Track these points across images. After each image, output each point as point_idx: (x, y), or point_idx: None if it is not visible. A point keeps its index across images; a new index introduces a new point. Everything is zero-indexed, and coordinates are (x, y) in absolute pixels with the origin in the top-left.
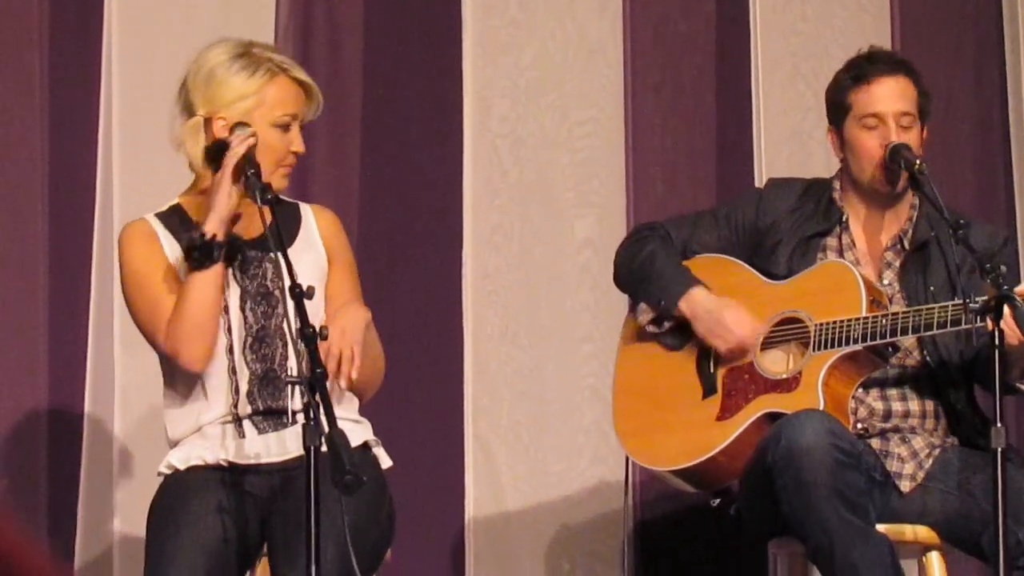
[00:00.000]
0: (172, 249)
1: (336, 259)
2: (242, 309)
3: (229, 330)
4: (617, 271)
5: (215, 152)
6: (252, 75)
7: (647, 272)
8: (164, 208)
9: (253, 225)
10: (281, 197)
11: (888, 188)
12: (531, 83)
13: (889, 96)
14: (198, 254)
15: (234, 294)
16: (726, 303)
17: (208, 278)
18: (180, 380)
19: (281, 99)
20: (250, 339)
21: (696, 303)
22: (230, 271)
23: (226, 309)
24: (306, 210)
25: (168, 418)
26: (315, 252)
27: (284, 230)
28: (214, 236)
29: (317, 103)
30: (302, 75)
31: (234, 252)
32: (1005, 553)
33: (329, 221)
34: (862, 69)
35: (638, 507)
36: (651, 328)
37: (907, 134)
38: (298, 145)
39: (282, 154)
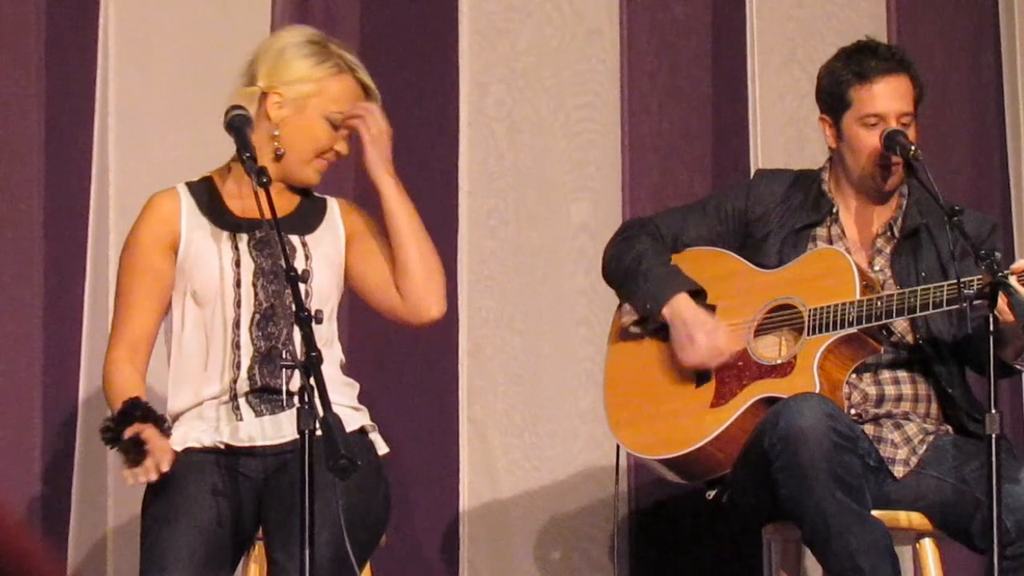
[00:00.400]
0: (190, 228)
1: (358, 234)
2: (254, 285)
3: (238, 304)
4: (605, 267)
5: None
6: (320, 64)
7: (634, 273)
8: (196, 179)
9: (276, 206)
10: (313, 192)
11: (883, 184)
12: (527, 68)
13: (891, 96)
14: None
15: (247, 269)
16: (705, 322)
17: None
18: (187, 354)
19: (340, 95)
20: (258, 316)
21: (677, 311)
22: (247, 247)
23: (238, 283)
24: (332, 203)
25: (171, 390)
26: (335, 237)
27: (307, 218)
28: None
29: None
30: (367, 78)
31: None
32: (998, 541)
33: (351, 209)
34: (864, 66)
35: (632, 492)
36: (635, 329)
37: (906, 132)
38: (343, 147)
39: (324, 147)
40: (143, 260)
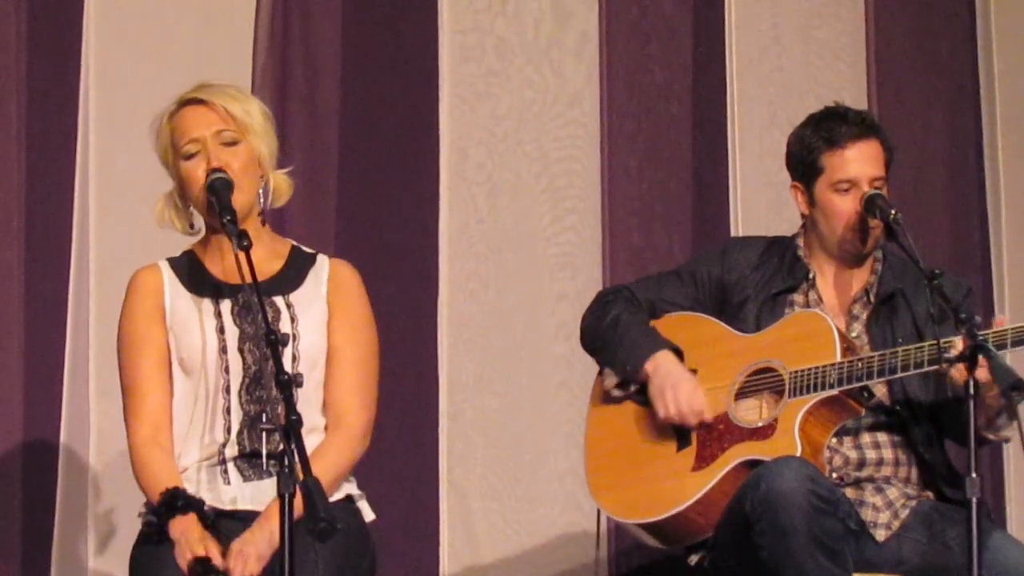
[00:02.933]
0: (173, 298)
1: (337, 312)
2: (240, 351)
3: (227, 370)
4: (583, 336)
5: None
6: (162, 118)
7: (611, 337)
8: (178, 254)
9: (260, 267)
10: (303, 248)
11: (860, 248)
12: (508, 131)
13: (863, 160)
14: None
15: (232, 336)
16: (687, 377)
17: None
18: (179, 418)
19: (181, 130)
20: (247, 380)
21: (658, 366)
22: (230, 314)
23: (224, 349)
24: (322, 260)
25: None
26: (319, 302)
27: (289, 277)
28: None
29: (224, 110)
30: (200, 93)
31: (210, 287)
32: None
33: (340, 274)
34: (834, 132)
35: (612, 557)
36: (616, 392)
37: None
38: (213, 162)
39: (201, 178)
40: (142, 336)
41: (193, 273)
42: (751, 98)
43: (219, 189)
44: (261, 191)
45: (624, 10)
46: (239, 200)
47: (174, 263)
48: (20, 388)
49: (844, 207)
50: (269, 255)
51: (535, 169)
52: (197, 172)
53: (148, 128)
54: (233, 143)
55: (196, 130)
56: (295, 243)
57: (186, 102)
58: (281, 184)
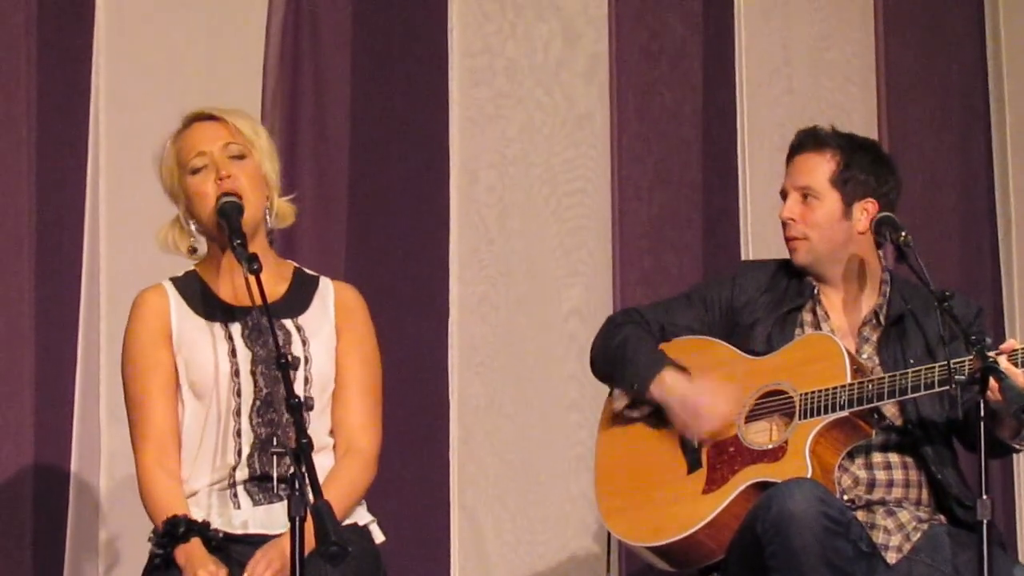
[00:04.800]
0: (180, 320)
1: (345, 335)
2: (252, 374)
3: (238, 393)
4: (593, 359)
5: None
6: (167, 144)
7: (620, 357)
8: (180, 274)
9: (266, 290)
10: (305, 270)
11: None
12: (518, 154)
13: (792, 174)
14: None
15: (244, 359)
16: (698, 389)
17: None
18: (183, 442)
19: (188, 146)
20: (258, 403)
21: (667, 388)
22: (241, 337)
23: (236, 373)
24: (326, 283)
25: None
26: (328, 325)
27: (296, 299)
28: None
29: (233, 125)
30: (208, 110)
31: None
32: None
33: (347, 298)
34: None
35: None
36: (628, 413)
37: (799, 206)
38: (222, 171)
39: (212, 194)
40: (148, 358)
41: (200, 295)
42: (761, 120)
43: (229, 212)
44: (267, 210)
45: (634, 33)
46: (246, 216)
47: (179, 284)
48: (31, 411)
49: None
50: (274, 277)
51: (545, 191)
52: (205, 187)
53: (152, 161)
54: (241, 157)
55: (203, 144)
56: (297, 265)
57: (192, 119)
58: (284, 208)
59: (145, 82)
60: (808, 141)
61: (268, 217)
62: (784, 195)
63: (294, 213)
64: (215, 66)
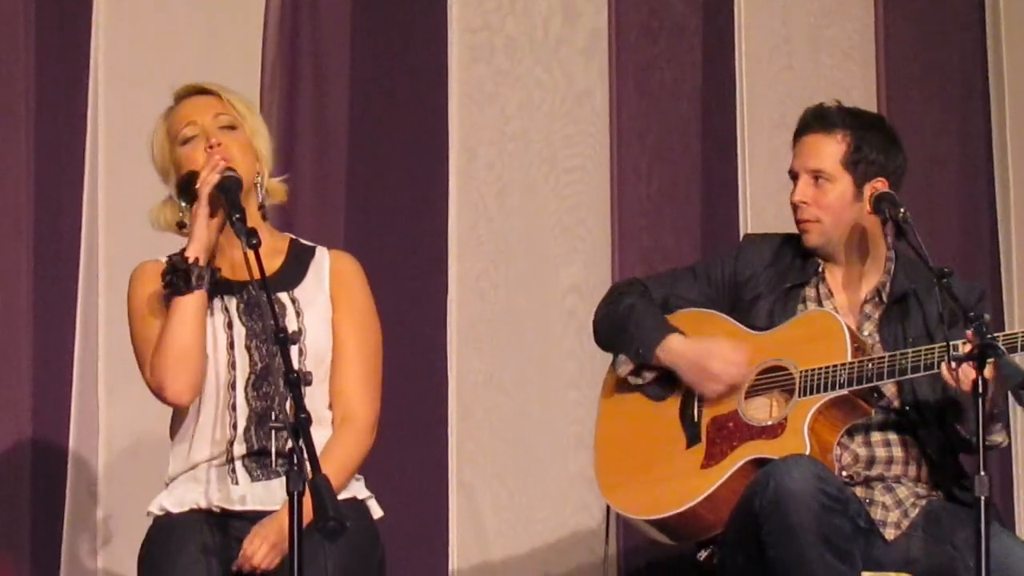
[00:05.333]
0: None
1: (341, 305)
2: (247, 348)
3: (233, 366)
4: (596, 327)
5: (185, 184)
6: (158, 126)
7: (624, 323)
8: (175, 253)
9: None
10: (302, 241)
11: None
12: (517, 131)
13: (801, 154)
14: (176, 278)
15: (239, 333)
16: (707, 349)
17: (188, 304)
18: (179, 417)
19: (179, 118)
20: (253, 377)
21: (673, 351)
22: (236, 311)
23: (231, 345)
24: (322, 253)
25: (171, 452)
26: (323, 296)
27: (291, 272)
28: (196, 259)
29: (225, 98)
30: (199, 84)
31: (217, 284)
32: None
33: (341, 266)
34: (796, 128)
35: (621, 555)
36: (632, 379)
37: (811, 189)
38: (211, 139)
39: (202, 162)
40: (155, 309)
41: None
42: (760, 97)
43: (230, 188)
44: (258, 185)
45: (633, 9)
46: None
47: None
48: (29, 390)
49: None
50: (269, 251)
51: (544, 168)
52: (195, 155)
53: (146, 145)
54: (232, 127)
55: (193, 115)
56: (293, 237)
57: (183, 95)
58: (276, 186)
59: (145, 62)
60: (816, 121)
61: (259, 191)
62: (793, 176)
63: (286, 192)
64: (214, 43)
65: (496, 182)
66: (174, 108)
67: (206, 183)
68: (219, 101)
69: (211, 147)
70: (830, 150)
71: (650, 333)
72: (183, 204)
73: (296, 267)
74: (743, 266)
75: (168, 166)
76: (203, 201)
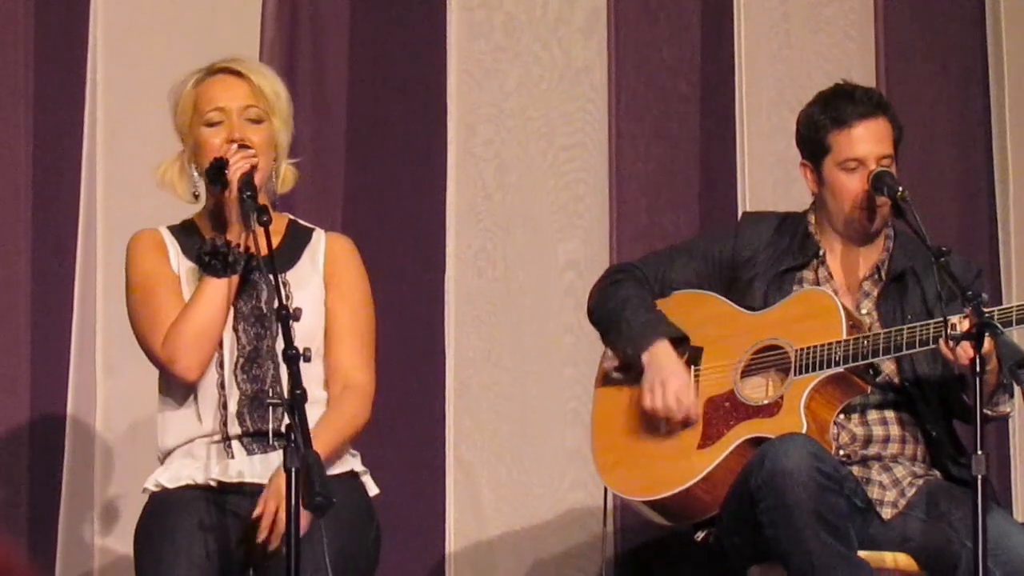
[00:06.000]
0: (179, 262)
1: (333, 285)
2: (235, 329)
3: (220, 344)
4: (590, 311)
5: (215, 171)
6: (188, 84)
7: (617, 319)
8: (177, 223)
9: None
10: (300, 222)
11: (868, 227)
12: (515, 108)
13: (870, 139)
14: (217, 261)
15: (228, 315)
16: (678, 373)
17: (221, 287)
18: (175, 389)
19: (208, 97)
20: (241, 360)
21: (656, 356)
22: None
23: None
24: (319, 235)
25: (160, 426)
26: (316, 279)
27: (286, 254)
28: (237, 244)
29: (257, 86)
30: (235, 64)
31: (249, 269)
32: None
33: (337, 248)
34: (841, 111)
35: (618, 533)
36: (616, 375)
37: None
38: (235, 133)
39: (218, 148)
40: (157, 273)
41: (195, 244)
42: (759, 76)
43: (250, 180)
44: (272, 175)
45: None
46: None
47: (175, 231)
48: (27, 365)
49: (851, 186)
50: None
51: (543, 145)
52: (215, 141)
53: (167, 92)
54: (258, 121)
55: (224, 99)
56: (292, 217)
57: (217, 70)
58: (288, 173)
59: (143, 31)
60: (878, 106)
61: (274, 183)
62: (857, 162)
63: (295, 179)
64: (212, 17)
65: (495, 159)
66: (206, 80)
67: (237, 169)
68: (251, 90)
69: (232, 141)
70: (889, 133)
71: (641, 336)
72: (195, 174)
73: (291, 249)
74: (742, 246)
75: (186, 133)
76: (235, 188)
